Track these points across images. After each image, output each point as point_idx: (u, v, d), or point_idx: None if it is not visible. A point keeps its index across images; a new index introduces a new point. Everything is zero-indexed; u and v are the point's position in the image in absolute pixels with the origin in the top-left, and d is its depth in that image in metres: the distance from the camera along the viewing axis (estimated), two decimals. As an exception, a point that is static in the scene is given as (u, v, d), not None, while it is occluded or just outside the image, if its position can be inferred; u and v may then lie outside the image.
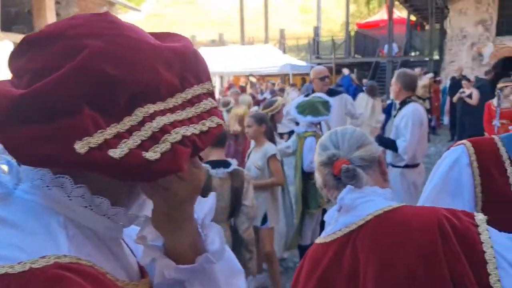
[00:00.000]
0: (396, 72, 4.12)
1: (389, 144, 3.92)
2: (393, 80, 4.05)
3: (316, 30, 20.83)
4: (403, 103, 3.96)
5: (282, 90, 11.64)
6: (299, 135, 3.99)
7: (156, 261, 0.71)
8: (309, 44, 21.63)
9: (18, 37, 6.35)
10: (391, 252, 0.99)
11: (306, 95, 4.89)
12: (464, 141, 1.40)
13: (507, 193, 1.28)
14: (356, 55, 20.71)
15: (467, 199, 1.32)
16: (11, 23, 8.83)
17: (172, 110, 0.61)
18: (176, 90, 0.63)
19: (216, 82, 19.21)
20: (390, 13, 19.34)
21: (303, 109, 3.97)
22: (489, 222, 1.24)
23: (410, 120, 3.79)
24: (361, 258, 1.02)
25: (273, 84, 13.00)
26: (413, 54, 20.55)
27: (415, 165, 3.90)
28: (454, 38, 16.29)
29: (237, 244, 2.56)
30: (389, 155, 4.03)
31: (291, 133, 4.91)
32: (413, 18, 23.75)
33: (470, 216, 1.02)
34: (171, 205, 0.67)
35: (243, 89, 12.39)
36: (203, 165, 2.40)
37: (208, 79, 0.69)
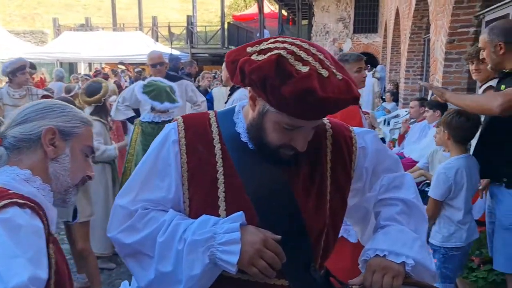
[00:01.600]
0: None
1: None
2: (223, 66, 4.03)
3: (190, 19, 20.54)
4: (233, 89, 3.96)
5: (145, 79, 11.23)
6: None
7: None
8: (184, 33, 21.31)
9: None
10: None
11: (142, 79, 4.68)
12: (179, 116, 1.30)
13: (212, 171, 1.20)
14: (230, 46, 20.93)
15: (174, 179, 1.21)
16: None
17: None
18: None
19: (82, 69, 17.83)
20: (261, 5, 19.92)
21: (154, 95, 3.67)
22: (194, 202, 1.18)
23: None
24: None
25: (139, 72, 12.47)
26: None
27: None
28: (319, 33, 17.37)
29: None
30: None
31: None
32: (285, 13, 24.81)
33: None
34: None
35: (107, 77, 11.72)
36: None
37: None
